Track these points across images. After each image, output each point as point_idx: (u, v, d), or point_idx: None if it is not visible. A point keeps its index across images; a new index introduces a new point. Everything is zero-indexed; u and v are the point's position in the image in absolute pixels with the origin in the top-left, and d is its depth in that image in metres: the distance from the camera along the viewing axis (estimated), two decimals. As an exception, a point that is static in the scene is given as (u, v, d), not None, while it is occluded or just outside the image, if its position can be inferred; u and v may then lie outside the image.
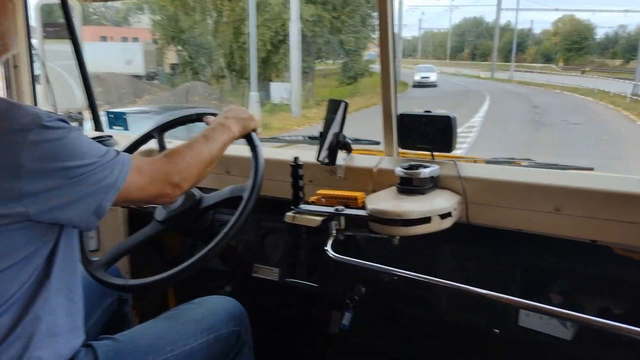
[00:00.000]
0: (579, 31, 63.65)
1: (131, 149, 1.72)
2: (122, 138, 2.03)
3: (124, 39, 30.16)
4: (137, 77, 22.47)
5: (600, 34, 72.21)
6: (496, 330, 1.58)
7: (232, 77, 23.58)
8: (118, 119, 2.32)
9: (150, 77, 24.85)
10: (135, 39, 29.37)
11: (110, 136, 2.06)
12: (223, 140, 1.39)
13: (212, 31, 23.26)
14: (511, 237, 1.55)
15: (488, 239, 1.61)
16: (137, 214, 2.05)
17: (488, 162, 1.72)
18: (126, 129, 2.34)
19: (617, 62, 61.36)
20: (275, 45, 21.50)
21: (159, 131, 1.69)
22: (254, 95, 16.87)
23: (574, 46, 62.84)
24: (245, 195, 1.43)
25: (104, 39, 28.34)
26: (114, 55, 21.29)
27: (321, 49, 24.09)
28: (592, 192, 1.38)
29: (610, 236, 1.38)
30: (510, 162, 1.70)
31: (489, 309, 1.60)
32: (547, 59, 65.13)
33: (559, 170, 1.60)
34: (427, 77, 33.21)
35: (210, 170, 1.35)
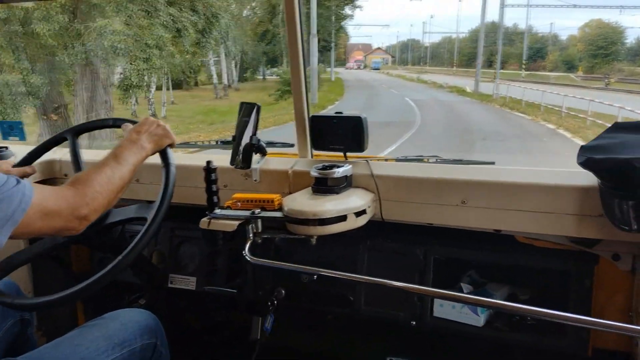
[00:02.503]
0: (605, 35, 52.83)
1: (37, 152, 1.61)
2: (20, 149, 1.89)
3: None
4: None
5: (631, 37, 63.43)
6: (413, 322, 1.63)
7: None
8: (14, 129, 2.16)
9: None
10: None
11: (6, 147, 1.91)
12: (134, 162, 1.32)
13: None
14: (423, 231, 1.61)
15: (401, 234, 1.66)
16: None
17: (398, 160, 1.77)
18: (22, 138, 2.18)
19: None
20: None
21: (73, 134, 1.60)
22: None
23: (600, 52, 52.11)
24: (150, 217, 1.36)
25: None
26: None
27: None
28: (494, 185, 1.46)
29: (512, 225, 1.47)
30: (419, 159, 1.76)
31: (406, 302, 1.65)
32: (570, 66, 55.05)
33: (464, 165, 1.68)
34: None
35: (120, 195, 1.29)
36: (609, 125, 1.39)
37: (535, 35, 62.63)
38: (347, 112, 1.67)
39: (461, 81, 32.03)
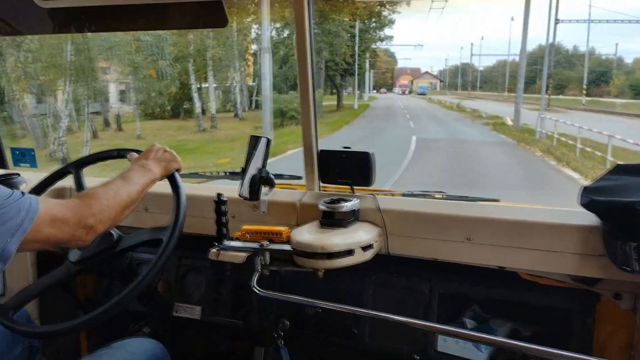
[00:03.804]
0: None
1: (45, 185, 1.64)
2: (32, 176, 1.93)
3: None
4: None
5: None
6: (416, 357, 1.64)
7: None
8: (25, 156, 2.20)
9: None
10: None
11: (18, 174, 1.95)
12: (142, 183, 1.36)
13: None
14: (428, 266, 1.63)
15: (407, 269, 1.68)
16: (46, 254, 1.94)
17: (404, 195, 1.81)
18: (34, 166, 2.21)
19: None
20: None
21: (77, 167, 1.63)
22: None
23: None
24: (165, 238, 1.40)
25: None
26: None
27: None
28: (498, 222, 1.49)
29: (515, 262, 1.50)
30: (425, 194, 1.80)
31: (410, 335, 1.66)
32: (638, 92, 46.77)
33: (469, 202, 1.72)
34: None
35: (129, 213, 1.32)
36: None
37: (598, 57, 55.40)
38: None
39: (509, 109, 24.47)
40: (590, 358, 1.16)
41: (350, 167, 1.70)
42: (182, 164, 1.54)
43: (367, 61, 34.25)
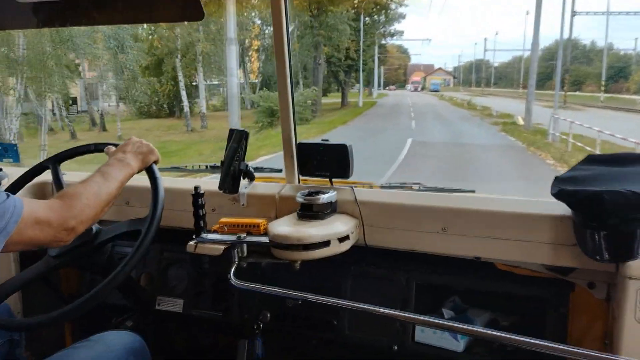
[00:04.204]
0: None
1: (24, 180, 1.65)
2: (14, 170, 1.93)
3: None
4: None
5: None
6: (395, 347, 1.66)
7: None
8: (8, 151, 2.20)
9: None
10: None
11: (0, 168, 1.95)
12: (121, 178, 1.38)
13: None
14: (405, 257, 1.64)
15: (384, 260, 1.69)
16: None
17: (382, 187, 1.82)
18: (17, 160, 2.22)
19: None
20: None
21: (54, 162, 1.64)
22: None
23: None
24: (144, 229, 1.41)
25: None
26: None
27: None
28: (473, 213, 1.51)
29: (491, 253, 1.51)
30: (402, 186, 1.81)
31: (388, 326, 1.67)
32: None
33: (445, 193, 1.73)
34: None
35: (108, 209, 1.33)
36: None
37: (617, 53, 53.31)
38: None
39: (523, 106, 21.22)
40: (565, 347, 1.17)
41: (328, 160, 1.71)
42: (159, 155, 1.55)
43: (376, 57, 32.73)
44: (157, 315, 1.90)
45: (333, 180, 1.76)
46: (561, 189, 1.30)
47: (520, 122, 20.05)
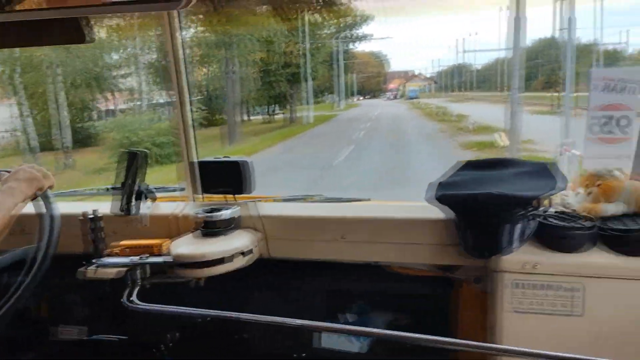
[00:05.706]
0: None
1: None
2: None
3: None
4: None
5: None
6: (303, 355, 1.71)
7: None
8: None
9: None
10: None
11: None
12: (8, 206, 1.32)
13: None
14: (309, 266, 1.70)
15: (289, 270, 1.74)
16: None
17: (285, 199, 1.87)
18: None
19: None
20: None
21: None
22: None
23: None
24: (39, 257, 1.36)
25: None
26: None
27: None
28: (367, 220, 1.60)
29: (386, 256, 1.61)
30: (304, 198, 1.87)
31: (296, 335, 1.72)
32: None
33: (344, 202, 1.81)
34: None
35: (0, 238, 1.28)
36: None
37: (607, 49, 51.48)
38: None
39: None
40: (455, 340, 1.27)
41: (229, 176, 1.73)
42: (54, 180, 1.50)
43: (341, 62, 28.22)
44: (60, 346, 1.83)
45: (237, 196, 1.78)
46: (443, 193, 1.42)
47: (502, 142, 12.79)
